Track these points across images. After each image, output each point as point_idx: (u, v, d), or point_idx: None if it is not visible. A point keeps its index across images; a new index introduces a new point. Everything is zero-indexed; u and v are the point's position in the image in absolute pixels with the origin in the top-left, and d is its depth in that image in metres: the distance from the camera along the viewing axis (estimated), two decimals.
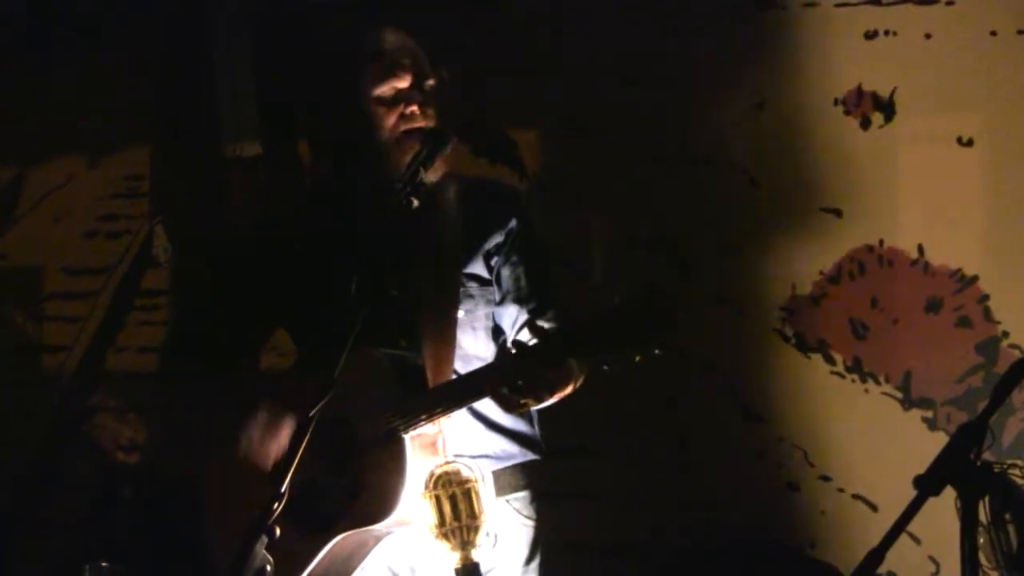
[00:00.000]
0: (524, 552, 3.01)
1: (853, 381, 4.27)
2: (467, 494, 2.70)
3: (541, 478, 3.11)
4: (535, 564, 3.03)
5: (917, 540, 3.98)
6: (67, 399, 5.25)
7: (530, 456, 3.02)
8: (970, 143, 4.22)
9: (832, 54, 4.34)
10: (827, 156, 4.33)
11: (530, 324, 2.69)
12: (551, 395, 2.79)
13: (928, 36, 4.24)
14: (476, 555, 2.69)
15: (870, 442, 4.24)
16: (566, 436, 4.52)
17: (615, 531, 4.45)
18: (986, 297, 4.18)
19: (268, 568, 2.33)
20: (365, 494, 2.72)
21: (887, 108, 4.29)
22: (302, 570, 2.71)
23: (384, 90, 2.92)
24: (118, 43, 5.14)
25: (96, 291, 5.20)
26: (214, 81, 5.09)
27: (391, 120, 2.91)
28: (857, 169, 4.30)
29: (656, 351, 2.63)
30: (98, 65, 5.15)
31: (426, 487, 2.69)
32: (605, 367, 2.65)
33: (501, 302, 2.99)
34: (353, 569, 2.81)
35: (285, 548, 2.41)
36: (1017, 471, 2.84)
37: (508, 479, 2.99)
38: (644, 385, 4.45)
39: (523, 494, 3.04)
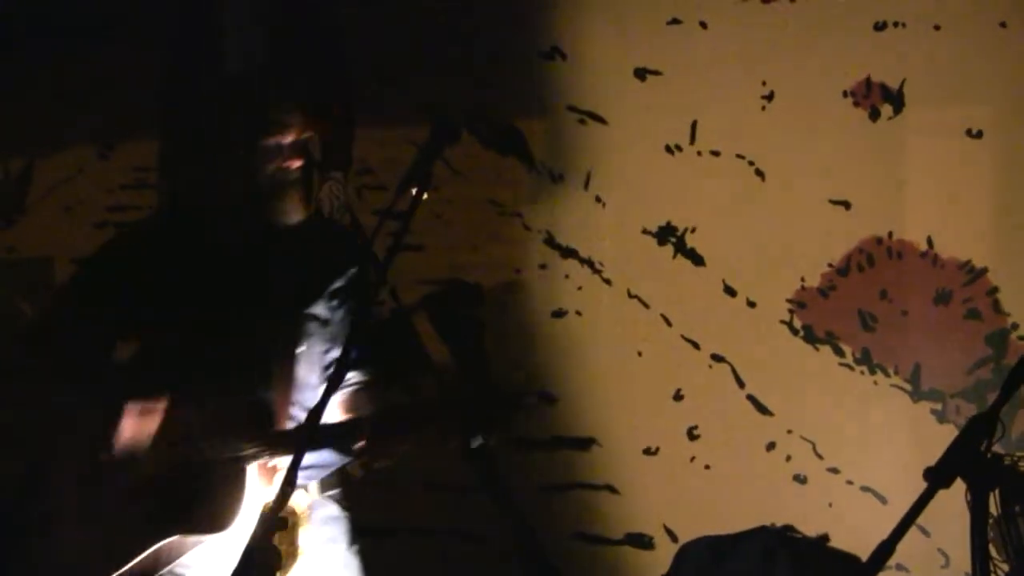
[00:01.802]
0: (346, 537, 3.33)
1: (862, 373, 4.27)
2: (293, 526, 3.00)
3: (350, 476, 3.40)
4: (356, 548, 3.36)
5: (927, 532, 3.98)
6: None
7: (345, 460, 3.25)
8: (979, 135, 4.21)
9: (841, 45, 4.33)
10: (836, 148, 4.33)
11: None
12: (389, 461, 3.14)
13: (937, 27, 4.24)
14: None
15: (879, 434, 4.24)
16: (575, 427, 4.56)
17: (624, 522, 4.45)
18: (995, 289, 4.18)
19: (278, 558, 2.38)
20: (205, 507, 3.00)
21: (896, 100, 4.29)
22: (127, 562, 2.99)
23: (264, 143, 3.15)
24: (127, 34, 5.14)
25: None
26: (223, 72, 5.08)
27: (268, 168, 3.13)
28: (866, 161, 4.30)
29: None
30: (107, 56, 5.15)
31: (263, 509, 2.92)
32: None
33: (333, 342, 3.23)
34: (162, 569, 3.06)
35: (117, 541, 2.96)
36: None
37: (329, 481, 3.28)
38: (653, 377, 4.45)
39: (339, 490, 3.35)
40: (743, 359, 4.39)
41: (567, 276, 4.60)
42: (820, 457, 4.28)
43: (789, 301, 4.36)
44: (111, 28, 5.13)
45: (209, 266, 3.18)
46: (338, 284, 3.23)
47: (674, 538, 4.31)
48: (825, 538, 4.05)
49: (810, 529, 4.14)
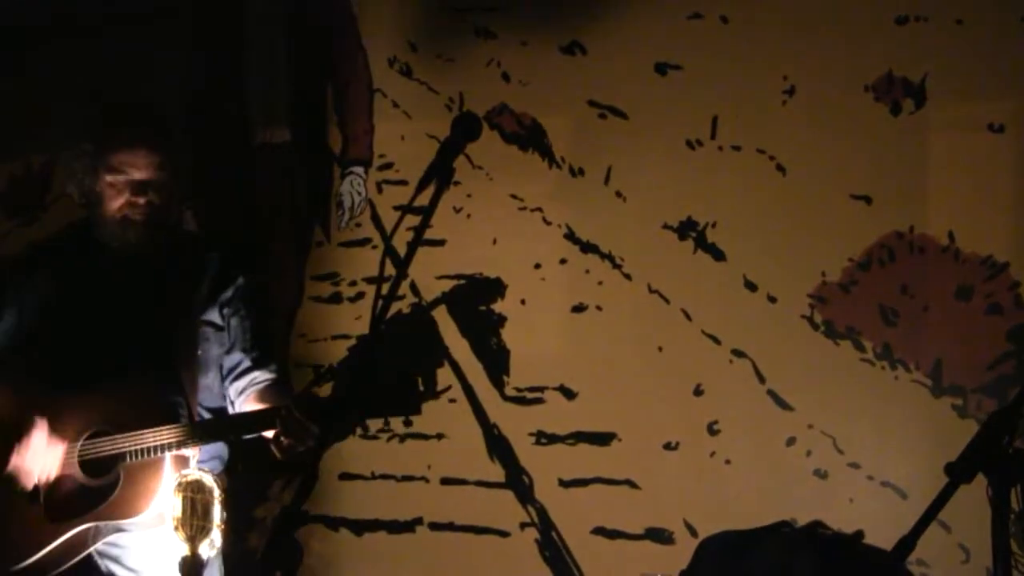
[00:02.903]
0: None
1: (883, 368, 4.26)
2: (205, 502, 3.17)
3: None
4: None
5: (947, 528, 3.97)
6: None
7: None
8: (1001, 129, 4.20)
9: (862, 39, 4.32)
10: (857, 142, 4.32)
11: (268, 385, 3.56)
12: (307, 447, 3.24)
13: (959, 22, 4.22)
14: (201, 551, 3.16)
15: (900, 429, 4.23)
16: (596, 422, 4.56)
17: (644, 517, 4.46)
18: (1017, 284, 4.16)
19: (302, 552, 2.43)
20: (122, 495, 3.29)
21: (918, 94, 4.28)
22: (41, 549, 3.26)
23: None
24: (146, 30, 5.17)
25: None
26: (244, 67, 5.10)
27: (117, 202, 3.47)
28: (887, 155, 4.29)
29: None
30: (127, 52, 5.17)
31: (176, 486, 3.17)
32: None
33: (230, 349, 3.57)
34: (75, 557, 3.32)
35: (33, 529, 3.25)
36: None
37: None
38: (673, 372, 4.46)
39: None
40: (764, 354, 4.38)
41: (588, 271, 4.61)
42: (840, 452, 4.28)
43: (810, 296, 4.35)
44: (132, 22, 5.16)
45: (109, 276, 3.49)
46: (227, 294, 3.54)
47: (694, 533, 4.31)
48: (860, 535, 4.04)
49: (831, 525, 4.14)
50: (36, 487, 3.31)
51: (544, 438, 4.55)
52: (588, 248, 4.60)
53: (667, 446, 4.46)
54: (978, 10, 4.18)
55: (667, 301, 4.49)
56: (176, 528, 3.15)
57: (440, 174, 2.78)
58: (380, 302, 2.69)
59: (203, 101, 5.15)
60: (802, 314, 4.35)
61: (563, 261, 4.64)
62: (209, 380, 3.52)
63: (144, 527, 3.35)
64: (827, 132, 4.35)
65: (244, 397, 3.54)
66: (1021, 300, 4.16)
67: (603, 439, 4.51)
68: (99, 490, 3.31)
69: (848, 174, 4.31)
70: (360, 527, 4.77)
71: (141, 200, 3.44)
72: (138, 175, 3.44)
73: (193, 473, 3.19)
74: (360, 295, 4.90)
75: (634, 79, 4.57)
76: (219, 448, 3.55)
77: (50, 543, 3.27)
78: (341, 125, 5.03)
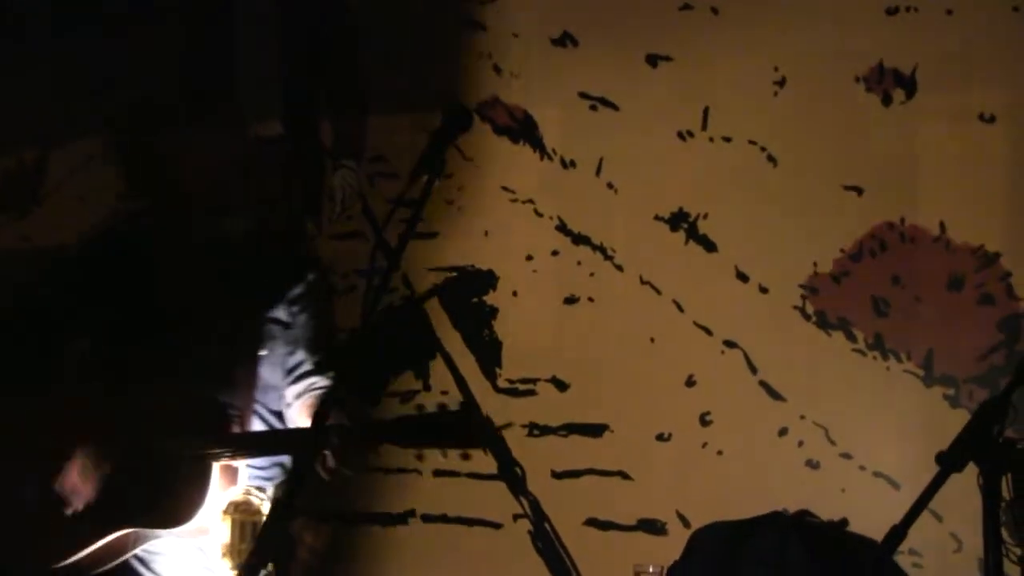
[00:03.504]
0: None
1: (875, 358, 4.27)
2: (254, 524, 3.08)
3: None
4: None
5: (939, 517, 3.98)
6: None
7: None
8: (992, 119, 4.20)
9: (853, 30, 4.33)
10: (848, 133, 4.33)
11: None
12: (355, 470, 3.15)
13: (950, 12, 4.23)
14: None
15: (892, 419, 4.24)
16: (588, 413, 4.56)
17: (636, 508, 4.46)
18: (1008, 274, 4.17)
19: (295, 545, 2.43)
20: (167, 502, 3.13)
21: (909, 84, 4.28)
22: (82, 550, 3.12)
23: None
24: (141, 24, 5.15)
25: None
26: (236, 61, 5.10)
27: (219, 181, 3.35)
28: (878, 146, 4.29)
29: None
30: (121, 46, 5.16)
31: (226, 510, 3.07)
32: None
33: (294, 349, 3.39)
34: (115, 560, 3.18)
35: (75, 529, 3.10)
36: None
37: None
38: (665, 363, 4.46)
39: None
40: (755, 345, 4.39)
41: (579, 263, 4.61)
42: (833, 443, 4.28)
43: (801, 287, 4.36)
44: (127, 16, 5.15)
45: (170, 268, 3.33)
46: (298, 290, 3.37)
47: (686, 524, 4.32)
48: (844, 523, 4.05)
49: (823, 514, 4.15)
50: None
51: (536, 430, 4.56)
52: (580, 240, 4.60)
53: (659, 437, 4.46)
54: (968, 1, 4.19)
55: (659, 292, 4.49)
56: (224, 555, 3.05)
57: (431, 167, 2.78)
58: (372, 295, 2.69)
59: (194, 95, 5.14)
60: (794, 305, 4.36)
61: (555, 253, 4.64)
62: (276, 380, 3.37)
63: (182, 535, 3.18)
64: (818, 123, 4.35)
65: (300, 402, 3.38)
66: (1012, 290, 4.16)
67: (595, 430, 4.51)
68: (144, 495, 3.15)
69: (839, 165, 4.32)
70: (353, 519, 4.77)
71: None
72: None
73: (242, 494, 3.08)
74: (352, 288, 4.90)
75: (625, 71, 4.57)
76: (268, 464, 3.35)
77: (91, 545, 3.14)
78: (332, 118, 5.02)
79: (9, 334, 3.42)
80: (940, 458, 2.45)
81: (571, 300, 4.61)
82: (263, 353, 3.31)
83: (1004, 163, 4.22)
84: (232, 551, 3.04)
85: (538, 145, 4.70)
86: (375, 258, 2.87)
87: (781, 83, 4.40)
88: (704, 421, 4.42)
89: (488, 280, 4.70)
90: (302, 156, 5.03)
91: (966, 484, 2.53)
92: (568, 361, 4.61)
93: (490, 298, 4.70)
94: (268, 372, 3.34)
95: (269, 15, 5.08)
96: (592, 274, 4.59)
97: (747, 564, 3.79)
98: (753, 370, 4.38)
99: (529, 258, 4.68)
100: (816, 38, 4.36)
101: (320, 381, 3.37)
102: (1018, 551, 2.82)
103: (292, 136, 5.05)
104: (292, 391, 3.38)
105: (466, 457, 3.09)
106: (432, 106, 4.73)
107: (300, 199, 5.05)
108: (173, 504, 3.12)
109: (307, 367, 3.38)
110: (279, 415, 3.39)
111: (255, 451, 3.20)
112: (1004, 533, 2.66)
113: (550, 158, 4.67)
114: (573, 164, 4.64)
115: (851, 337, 4.30)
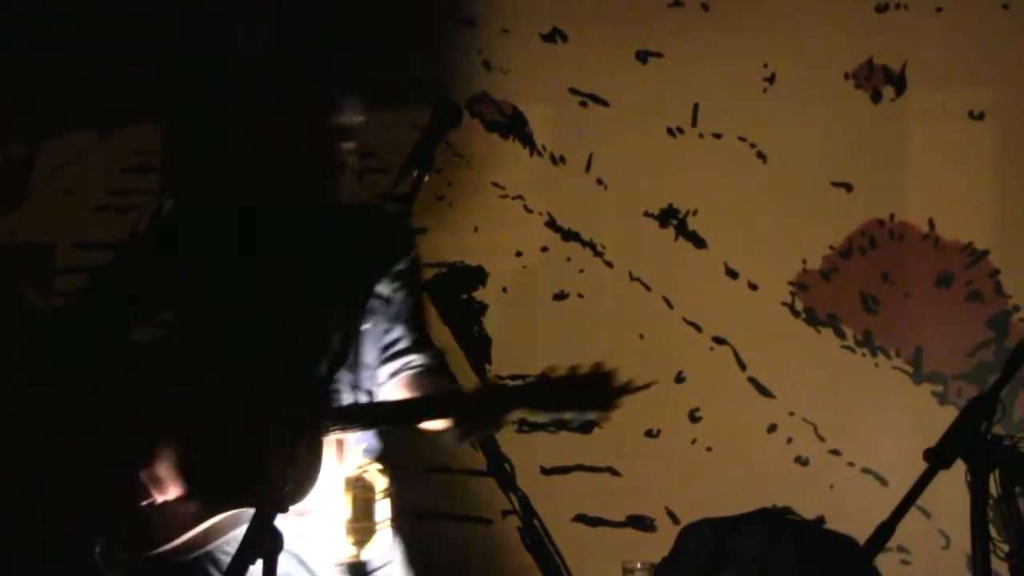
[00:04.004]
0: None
1: (864, 355, 4.28)
2: (369, 501, 3.01)
3: None
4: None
5: (927, 514, 3.99)
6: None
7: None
8: (981, 116, 4.21)
9: (843, 27, 4.33)
10: (837, 130, 4.33)
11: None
12: (488, 435, 3.10)
13: (939, 9, 4.23)
14: (364, 554, 3.01)
15: (880, 416, 4.24)
16: None
17: (625, 504, 4.46)
18: (997, 271, 4.18)
19: (281, 543, 2.40)
20: (271, 481, 2.91)
21: (898, 81, 4.28)
22: (186, 531, 2.98)
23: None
24: (129, 17, 5.14)
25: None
26: (226, 55, 5.09)
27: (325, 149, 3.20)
28: (868, 143, 4.30)
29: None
30: (109, 40, 5.15)
31: (346, 485, 2.98)
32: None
33: (391, 325, 3.23)
34: (223, 536, 3.03)
35: (179, 507, 2.95)
36: None
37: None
38: (654, 359, 4.46)
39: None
40: (745, 342, 4.39)
41: (569, 259, 4.60)
42: (821, 439, 4.29)
43: (791, 283, 4.36)
44: (114, 9, 5.14)
45: (270, 241, 3.15)
46: (401, 266, 3.24)
47: (675, 520, 4.32)
48: (821, 520, 4.07)
49: (812, 511, 4.15)
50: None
51: (526, 425, 4.55)
52: (569, 236, 4.60)
53: (648, 433, 4.46)
54: None
55: (648, 288, 4.50)
56: (346, 533, 2.97)
57: (421, 162, 2.78)
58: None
59: (183, 89, 5.14)
60: (783, 301, 4.36)
61: (544, 249, 4.64)
62: (370, 358, 3.21)
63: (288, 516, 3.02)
64: (808, 120, 4.36)
65: (394, 381, 3.23)
66: (1001, 287, 4.17)
67: (584, 426, 4.51)
68: (250, 475, 2.94)
69: (829, 161, 4.32)
70: None
71: (347, 146, 3.24)
72: (344, 120, 3.25)
73: (357, 470, 2.99)
74: None
75: (615, 67, 4.57)
76: (367, 438, 3.19)
77: (195, 527, 2.99)
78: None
79: (96, 312, 3.24)
80: (928, 455, 2.44)
81: (560, 296, 4.61)
82: (365, 328, 3.16)
83: (993, 160, 4.23)
84: (352, 528, 2.97)
85: (528, 141, 4.69)
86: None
87: (771, 80, 4.40)
88: (693, 417, 4.43)
89: (477, 276, 4.70)
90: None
91: (954, 481, 2.53)
92: (557, 357, 4.60)
93: (479, 294, 4.69)
94: (364, 350, 3.20)
95: (259, 11, 5.07)
96: (581, 270, 4.59)
97: (735, 561, 3.79)
98: (742, 367, 4.38)
99: (519, 254, 4.68)
100: (806, 35, 4.37)
101: (418, 359, 3.23)
102: (1005, 547, 2.82)
103: None
104: (387, 369, 3.23)
105: (599, 421, 3.02)
106: (422, 102, 4.73)
107: None
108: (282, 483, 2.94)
109: (404, 344, 3.24)
110: (368, 393, 3.23)
111: (378, 422, 3.10)
112: (992, 530, 2.67)
113: (540, 154, 4.67)
114: (563, 160, 4.64)
115: (840, 334, 4.30)
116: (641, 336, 4.49)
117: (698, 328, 4.43)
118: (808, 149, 4.35)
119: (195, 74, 5.12)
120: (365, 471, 3.03)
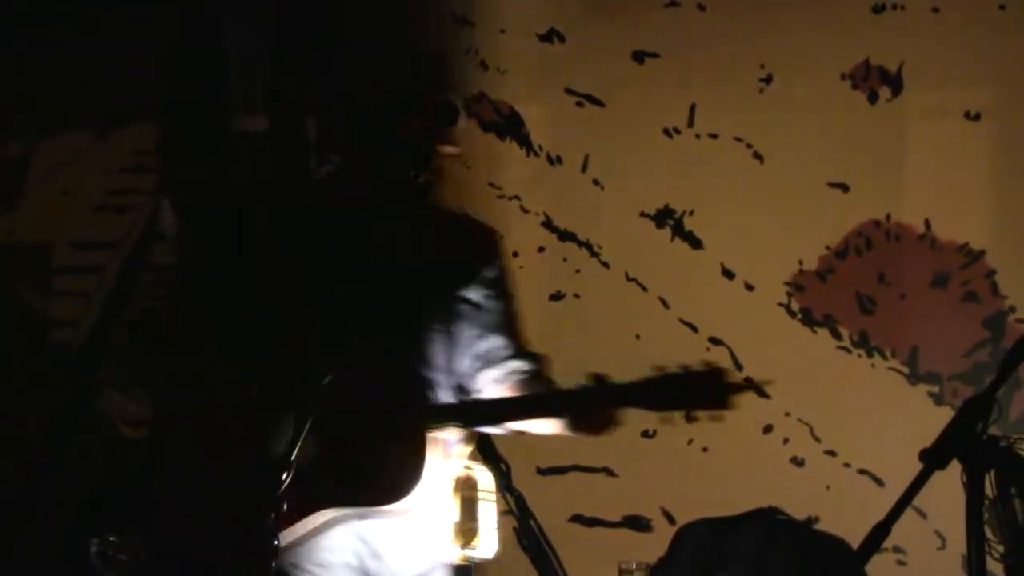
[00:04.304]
0: None
1: (860, 356, 4.28)
2: (474, 501, 2.97)
3: None
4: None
5: (923, 514, 3.99)
6: (75, 374, 5.27)
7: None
8: (978, 117, 4.21)
9: (840, 28, 4.33)
10: (834, 130, 4.33)
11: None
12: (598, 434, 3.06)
13: (936, 10, 4.24)
14: (471, 556, 2.97)
15: (876, 417, 4.24)
16: None
17: (622, 505, 4.46)
18: (993, 272, 4.18)
19: (277, 543, 2.39)
20: (375, 479, 2.91)
21: (895, 82, 4.29)
22: (285, 527, 2.84)
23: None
24: (126, 17, 5.14)
25: (104, 266, 5.21)
26: (223, 56, 5.09)
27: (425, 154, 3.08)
28: (864, 143, 4.30)
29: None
30: (106, 39, 5.15)
31: (454, 486, 2.93)
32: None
33: (487, 333, 3.17)
34: (311, 538, 2.95)
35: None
36: (1023, 444, 2.84)
37: None
38: (650, 360, 4.45)
39: None
40: (741, 342, 4.39)
41: (565, 259, 4.60)
42: (817, 440, 4.29)
43: (787, 284, 4.36)
44: (112, 9, 5.13)
45: (362, 242, 3.10)
46: (490, 273, 3.20)
47: (672, 520, 4.32)
48: (814, 520, 4.07)
49: (808, 511, 4.16)
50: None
51: None
52: (566, 236, 4.60)
53: (644, 434, 4.45)
54: None
55: (644, 289, 4.50)
56: (454, 535, 2.94)
57: (418, 162, 2.78)
58: None
59: (182, 89, 5.14)
60: (779, 302, 4.37)
61: (541, 249, 4.64)
62: (463, 364, 3.15)
63: (391, 514, 2.97)
64: (804, 120, 4.36)
65: (498, 388, 3.18)
66: (997, 288, 4.17)
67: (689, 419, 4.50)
68: (352, 471, 2.92)
69: (825, 162, 4.32)
70: None
71: (447, 150, 3.14)
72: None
73: (463, 469, 2.96)
74: None
75: (612, 67, 4.57)
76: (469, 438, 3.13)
77: (292, 524, 2.89)
78: (319, 114, 5.01)
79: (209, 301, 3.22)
80: (924, 455, 2.44)
81: (557, 296, 4.61)
82: (455, 332, 3.12)
83: (989, 161, 4.23)
84: (460, 530, 2.94)
85: (524, 141, 4.69)
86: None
87: (767, 80, 4.40)
88: (689, 418, 4.42)
89: None
90: (287, 151, 5.03)
91: (950, 481, 2.53)
92: (553, 357, 4.60)
93: None
94: (459, 353, 3.15)
95: (256, 10, 5.07)
96: (578, 271, 4.59)
97: (732, 561, 3.80)
98: (739, 367, 4.38)
99: (515, 254, 4.66)
100: (802, 35, 4.37)
101: (522, 365, 3.19)
102: (1001, 548, 2.82)
103: (277, 131, 5.04)
104: (487, 376, 3.17)
105: (714, 419, 2.98)
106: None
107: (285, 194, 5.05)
108: (389, 480, 2.90)
109: (506, 352, 3.19)
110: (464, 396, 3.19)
111: (487, 420, 3.04)
112: (987, 531, 2.67)
113: (536, 154, 4.67)
114: (559, 160, 4.63)
115: (836, 334, 4.31)
116: (637, 336, 4.49)
117: (694, 328, 4.43)
118: (805, 150, 4.35)
119: (194, 74, 5.13)
120: (472, 470, 2.99)
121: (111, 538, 4.13)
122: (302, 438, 2.52)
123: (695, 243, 4.45)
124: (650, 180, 4.51)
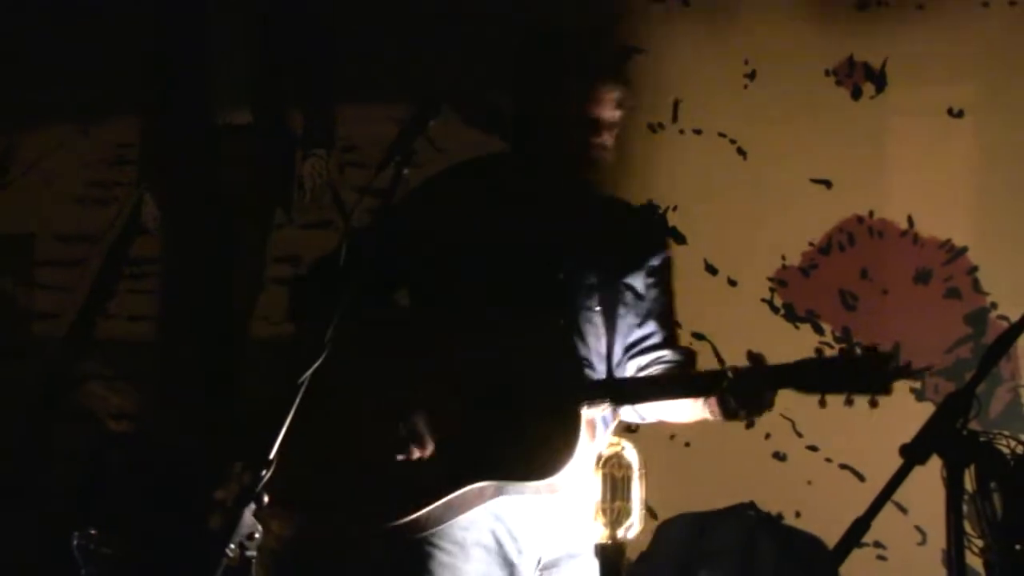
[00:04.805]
0: None
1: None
2: (625, 478, 2.91)
3: None
4: None
5: (904, 509, 3.99)
6: (57, 367, 5.26)
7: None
8: (961, 114, 4.22)
9: (824, 24, 4.34)
10: (817, 126, 4.34)
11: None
12: (755, 415, 3.02)
13: (920, 7, 4.25)
14: (620, 536, 2.88)
15: (858, 412, 4.23)
16: None
17: None
18: (975, 268, 4.19)
19: (256, 534, 2.37)
20: (527, 454, 2.85)
21: (878, 78, 4.30)
22: (429, 504, 2.83)
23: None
24: (109, 10, 5.13)
25: (86, 258, 5.20)
26: (205, 48, 5.08)
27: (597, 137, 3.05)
28: (847, 140, 4.31)
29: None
30: (89, 32, 5.13)
31: (597, 463, 2.88)
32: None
33: (643, 320, 3.14)
34: (460, 514, 2.90)
35: (421, 481, 2.80)
36: (1003, 440, 2.85)
37: None
38: None
39: None
40: (724, 337, 4.39)
41: None
42: (799, 435, 4.30)
43: (770, 279, 4.37)
44: (94, 2, 5.12)
45: (532, 218, 3.06)
46: (655, 262, 3.17)
47: (653, 515, 4.31)
48: (780, 516, 4.08)
49: (789, 506, 4.17)
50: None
51: None
52: None
53: (627, 428, 4.46)
54: None
55: None
56: (599, 513, 2.87)
57: (401, 156, 2.78)
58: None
59: (164, 82, 5.13)
60: (762, 298, 4.37)
61: None
62: (617, 349, 3.10)
63: (539, 491, 2.91)
64: (788, 116, 4.37)
65: (643, 375, 3.13)
66: (979, 284, 4.19)
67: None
68: (511, 445, 2.87)
69: (808, 158, 4.33)
70: None
71: (608, 140, 3.06)
72: (610, 113, 3.04)
73: (612, 447, 2.92)
74: None
75: None
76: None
77: (441, 498, 2.85)
78: (303, 107, 5.01)
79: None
80: (904, 451, 2.45)
81: None
82: (615, 317, 3.08)
83: (972, 158, 4.24)
84: (604, 508, 2.88)
85: (508, 137, 4.68)
86: (344, 247, 2.83)
87: (751, 76, 4.41)
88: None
89: None
90: (272, 144, 5.02)
91: (930, 477, 2.54)
92: None
93: None
94: (616, 338, 3.11)
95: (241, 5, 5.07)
96: None
97: (714, 556, 3.81)
98: (721, 362, 4.38)
99: None
100: (787, 31, 4.38)
101: (670, 355, 3.14)
102: (980, 543, 2.83)
103: (262, 124, 5.04)
104: (634, 364, 3.13)
105: (874, 404, 2.92)
106: (404, 96, 4.72)
107: (269, 187, 5.05)
108: (542, 455, 2.83)
109: (656, 340, 3.14)
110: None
111: (643, 397, 3.01)
112: (967, 525, 2.68)
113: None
114: None
115: (819, 330, 4.32)
116: None
117: (677, 324, 4.43)
118: (788, 145, 4.36)
119: (177, 68, 5.12)
120: (622, 448, 2.95)
121: (92, 531, 4.12)
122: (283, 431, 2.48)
123: (678, 238, 4.45)
124: (634, 175, 4.51)
